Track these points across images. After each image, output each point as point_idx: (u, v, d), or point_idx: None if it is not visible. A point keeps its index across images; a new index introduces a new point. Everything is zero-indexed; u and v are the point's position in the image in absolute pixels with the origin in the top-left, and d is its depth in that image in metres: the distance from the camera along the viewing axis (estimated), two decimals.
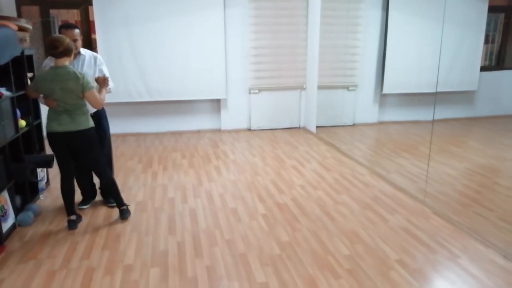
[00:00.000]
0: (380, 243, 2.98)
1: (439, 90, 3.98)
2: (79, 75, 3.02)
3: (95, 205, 3.72)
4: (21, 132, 3.55)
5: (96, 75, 3.38)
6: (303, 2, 6.40)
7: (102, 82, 3.28)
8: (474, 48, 5.87)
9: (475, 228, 3.15)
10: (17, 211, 3.35)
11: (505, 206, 3.65)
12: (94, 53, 3.52)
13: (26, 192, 3.59)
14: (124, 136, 6.35)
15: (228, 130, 6.66)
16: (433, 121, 3.90)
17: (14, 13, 5.73)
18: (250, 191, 4.04)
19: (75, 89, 3.01)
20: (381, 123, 6.76)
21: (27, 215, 3.34)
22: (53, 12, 6.06)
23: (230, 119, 6.65)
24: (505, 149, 5.37)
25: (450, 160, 4.95)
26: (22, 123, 3.66)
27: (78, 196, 3.57)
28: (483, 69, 5.94)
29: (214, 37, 6.15)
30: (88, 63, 3.41)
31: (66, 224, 3.29)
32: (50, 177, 4.31)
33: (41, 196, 3.90)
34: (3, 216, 3.09)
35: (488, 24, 5.80)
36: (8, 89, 3.40)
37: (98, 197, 3.84)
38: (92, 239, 3.09)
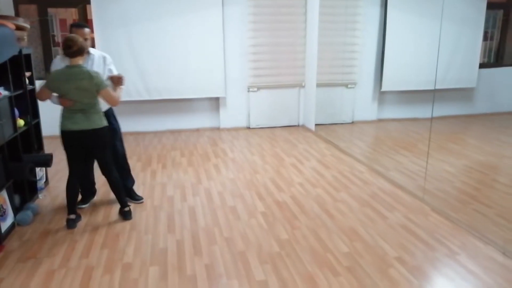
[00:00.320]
0: (379, 241, 2.98)
1: (438, 87, 3.98)
2: (93, 74, 3.05)
3: (94, 204, 3.72)
4: (19, 131, 3.55)
5: (106, 75, 3.39)
6: (301, 0, 6.40)
7: (116, 80, 3.32)
8: (472, 45, 5.87)
9: (474, 225, 3.15)
10: (16, 210, 3.35)
11: (504, 203, 3.66)
12: (103, 53, 3.55)
13: (25, 192, 3.59)
14: (123, 134, 6.28)
15: (227, 128, 6.66)
16: (431, 119, 3.90)
17: (12, 12, 5.72)
18: (249, 189, 4.04)
19: (90, 88, 3.04)
20: (380, 120, 6.76)
21: (26, 214, 3.34)
22: (51, 11, 6.05)
23: (229, 117, 6.65)
24: (504, 146, 5.37)
25: (448, 157, 4.95)
26: (21, 122, 3.66)
27: None
28: (482, 66, 5.94)
29: (213, 35, 6.14)
30: (98, 63, 3.43)
31: (65, 223, 3.29)
32: (49, 176, 4.31)
33: (40, 195, 3.90)
34: (2, 215, 3.09)
35: (486, 21, 5.79)
36: (6, 89, 3.39)
37: (97, 196, 3.85)
38: (91, 238, 3.09)
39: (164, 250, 2.89)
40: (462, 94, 6.16)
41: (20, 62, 3.68)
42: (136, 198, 3.75)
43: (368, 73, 6.62)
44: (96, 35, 5.78)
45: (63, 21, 6.36)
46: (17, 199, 3.48)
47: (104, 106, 3.29)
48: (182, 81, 6.20)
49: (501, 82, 5.79)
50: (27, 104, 3.82)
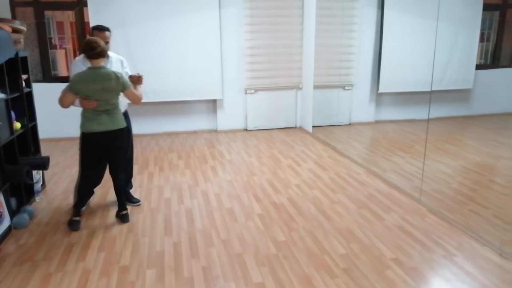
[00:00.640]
0: (376, 242, 2.98)
1: (434, 88, 4.00)
2: (118, 74, 3.12)
3: (91, 206, 3.72)
4: (16, 134, 3.54)
5: None
6: (298, 1, 6.41)
7: (136, 80, 3.38)
8: (469, 46, 5.89)
9: (471, 226, 3.16)
10: (13, 213, 3.34)
11: (500, 204, 3.67)
12: (120, 56, 3.59)
13: (21, 194, 3.58)
14: None
15: (224, 130, 6.66)
16: (428, 120, 3.91)
17: (8, 15, 5.71)
18: (246, 191, 4.04)
19: (117, 88, 3.11)
20: (377, 122, 6.78)
21: (23, 217, 3.33)
22: (47, 13, 6.04)
23: (226, 119, 6.65)
24: (500, 147, 5.39)
25: (445, 158, 4.96)
26: (17, 125, 3.66)
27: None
28: (478, 67, 5.96)
29: (210, 37, 6.14)
30: (116, 66, 3.46)
31: (66, 225, 3.28)
32: (46, 179, 4.30)
33: (37, 198, 3.89)
34: None
35: (483, 22, 5.82)
36: (3, 91, 3.39)
37: (92, 198, 3.84)
38: (88, 240, 3.08)
39: (161, 253, 2.89)
40: (458, 95, 6.18)
41: (17, 65, 3.68)
42: (133, 200, 3.75)
43: (365, 75, 6.64)
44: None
45: (60, 24, 6.35)
46: (13, 202, 3.46)
47: (122, 107, 3.35)
48: (179, 83, 6.20)
49: (498, 83, 5.82)
50: (23, 107, 3.82)
